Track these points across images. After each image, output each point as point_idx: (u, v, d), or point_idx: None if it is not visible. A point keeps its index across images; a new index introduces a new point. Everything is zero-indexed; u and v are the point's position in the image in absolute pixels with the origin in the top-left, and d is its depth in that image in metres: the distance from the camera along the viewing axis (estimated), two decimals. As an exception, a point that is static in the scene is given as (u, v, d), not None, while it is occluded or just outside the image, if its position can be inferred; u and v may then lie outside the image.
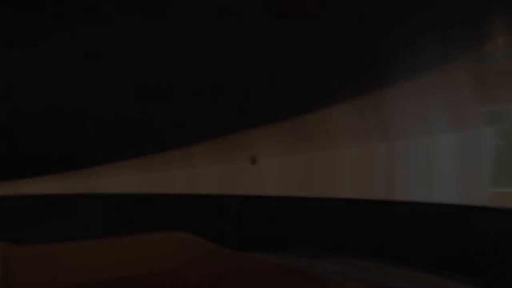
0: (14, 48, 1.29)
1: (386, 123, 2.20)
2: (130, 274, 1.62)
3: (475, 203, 1.90)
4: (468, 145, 3.30)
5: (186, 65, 1.32)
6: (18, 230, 3.92)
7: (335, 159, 3.43)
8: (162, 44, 1.21)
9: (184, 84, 1.46)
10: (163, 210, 3.56)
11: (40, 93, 1.65)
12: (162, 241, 2.11)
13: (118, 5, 1.05)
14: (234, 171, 3.78)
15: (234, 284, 1.58)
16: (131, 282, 1.56)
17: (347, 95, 1.79)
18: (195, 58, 1.23)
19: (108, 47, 1.24)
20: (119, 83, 1.40)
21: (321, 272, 1.79)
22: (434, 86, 1.92)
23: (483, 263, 1.76)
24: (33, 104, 1.77)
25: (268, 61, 1.21)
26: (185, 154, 3.24)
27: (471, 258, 1.79)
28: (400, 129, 2.44)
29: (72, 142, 2.04)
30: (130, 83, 1.42)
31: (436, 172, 3.32)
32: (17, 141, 2.34)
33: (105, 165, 3.97)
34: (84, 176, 5.18)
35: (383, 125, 2.27)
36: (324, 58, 1.31)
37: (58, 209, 5.12)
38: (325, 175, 3.48)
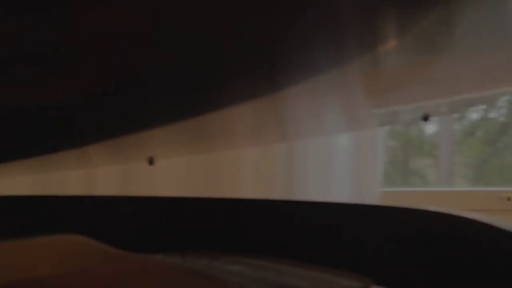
0: None
1: (285, 123, 2.22)
2: (19, 278, 1.55)
3: (368, 202, 1.97)
4: (362, 146, 3.43)
5: (74, 60, 1.24)
6: None
7: (235, 159, 3.43)
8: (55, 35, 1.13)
9: (74, 80, 1.38)
10: (57, 212, 3.39)
11: None
12: (55, 244, 2.03)
13: None
14: (132, 172, 3.68)
15: (129, 286, 1.55)
16: (19, 285, 1.48)
17: (245, 95, 1.78)
18: (83, 53, 1.16)
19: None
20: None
21: (220, 273, 1.78)
22: (330, 87, 1.97)
23: (376, 261, 1.83)
24: None
25: (159, 61, 1.17)
26: (81, 154, 3.11)
27: (364, 256, 1.85)
28: (299, 129, 2.48)
29: None
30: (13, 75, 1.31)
31: (333, 172, 3.43)
32: None
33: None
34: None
35: (282, 126, 2.30)
36: (220, 59, 1.29)
37: None
38: (225, 175, 3.47)
